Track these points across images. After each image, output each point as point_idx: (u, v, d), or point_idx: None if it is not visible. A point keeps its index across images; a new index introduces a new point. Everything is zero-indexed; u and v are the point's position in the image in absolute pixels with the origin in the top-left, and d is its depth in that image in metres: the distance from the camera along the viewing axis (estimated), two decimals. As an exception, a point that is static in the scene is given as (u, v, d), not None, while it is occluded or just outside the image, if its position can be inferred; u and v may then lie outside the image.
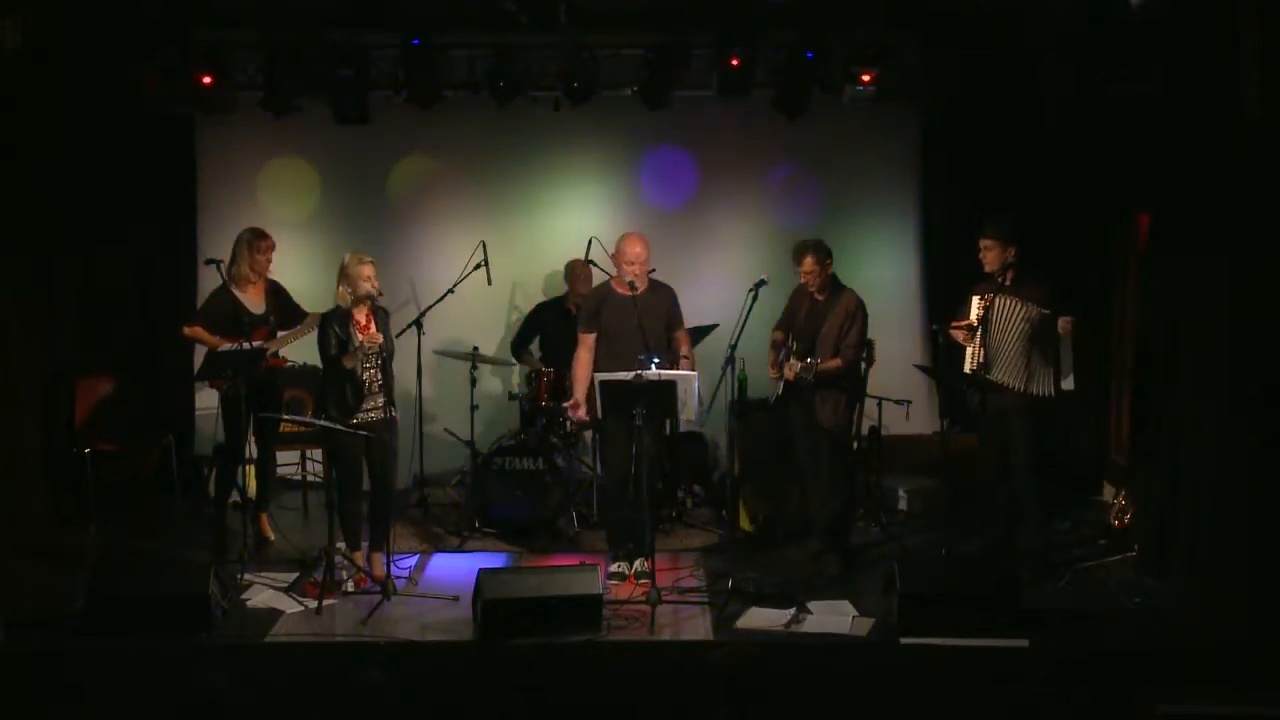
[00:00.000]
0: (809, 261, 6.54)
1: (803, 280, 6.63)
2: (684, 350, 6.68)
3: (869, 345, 6.93)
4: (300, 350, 7.51)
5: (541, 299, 8.46)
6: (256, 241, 6.96)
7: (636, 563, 6.56)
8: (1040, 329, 6.32)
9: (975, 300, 6.54)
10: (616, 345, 6.52)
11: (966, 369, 6.56)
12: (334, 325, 6.31)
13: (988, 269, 6.52)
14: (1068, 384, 6.34)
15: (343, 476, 6.42)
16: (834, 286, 6.65)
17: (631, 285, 6.43)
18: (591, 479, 7.73)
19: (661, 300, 6.63)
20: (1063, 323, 6.30)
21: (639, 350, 6.37)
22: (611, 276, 6.75)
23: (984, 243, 6.49)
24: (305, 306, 7.24)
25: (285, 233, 7.72)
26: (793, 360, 6.53)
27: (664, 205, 8.59)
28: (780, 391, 6.68)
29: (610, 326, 6.57)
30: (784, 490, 7.28)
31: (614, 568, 6.60)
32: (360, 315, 6.38)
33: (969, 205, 7.91)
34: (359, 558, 6.48)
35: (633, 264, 6.47)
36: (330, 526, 6.34)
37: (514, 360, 8.22)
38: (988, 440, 6.65)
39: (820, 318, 6.59)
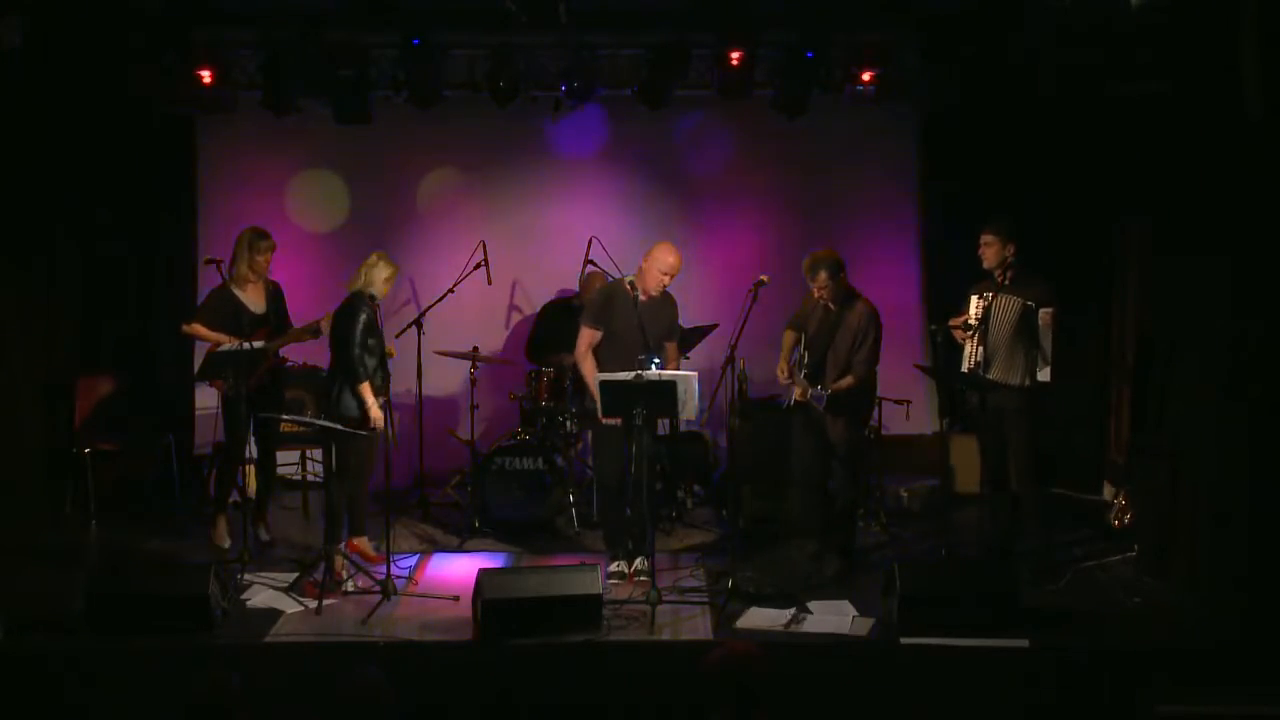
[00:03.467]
0: (823, 277, 6.47)
1: (816, 295, 6.58)
2: (670, 356, 6.67)
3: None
4: (300, 350, 7.52)
5: (541, 297, 8.47)
6: (257, 241, 6.95)
7: (637, 561, 6.56)
8: (1024, 321, 6.32)
9: (974, 300, 6.54)
10: (619, 345, 6.51)
11: (965, 369, 6.56)
12: (366, 308, 6.48)
13: (986, 265, 6.51)
14: (1044, 375, 6.33)
15: (355, 469, 6.57)
16: (847, 296, 6.61)
17: (631, 284, 6.42)
18: (592, 479, 7.73)
19: (666, 309, 6.62)
20: (1043, 314, 6.30)
21: (640, 351, 6.37)
22: (620, 277, 6.71)
23: (984, 238, 6.49)
24: (301, 304, 7.25)
25: (287, 233, 7.72)
26: (803, 380, 6.50)
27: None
28: (792, 401, 6.64)
29: (617, 326, 6.55)
30: (784, 490, 7.28)
31: (613, 567, 6.60)
32: None
33: (969, 205, 7.91)
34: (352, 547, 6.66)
35: (667, 274, 6.48)
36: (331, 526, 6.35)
37: (532, 363, 8.13)
38: (987, 440, 6.64)
39: (832, 329, 6.54)
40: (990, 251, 6.47)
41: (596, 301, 6.71)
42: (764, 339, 6.89)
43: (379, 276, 6.56)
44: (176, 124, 8.38)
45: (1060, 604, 6.09)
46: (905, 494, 7.87)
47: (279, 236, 7.13)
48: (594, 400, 6.44)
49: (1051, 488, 7.09)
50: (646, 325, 6.42)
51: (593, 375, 6.49)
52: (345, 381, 6.42)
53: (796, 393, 6.50)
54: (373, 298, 6.51)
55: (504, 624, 5.62)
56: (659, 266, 6.47)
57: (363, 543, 6.76)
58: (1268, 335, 5.81)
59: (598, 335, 6.60)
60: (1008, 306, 6.40)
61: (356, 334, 6.39)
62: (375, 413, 6.43)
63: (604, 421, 6.41)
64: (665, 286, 6.49)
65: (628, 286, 6.45)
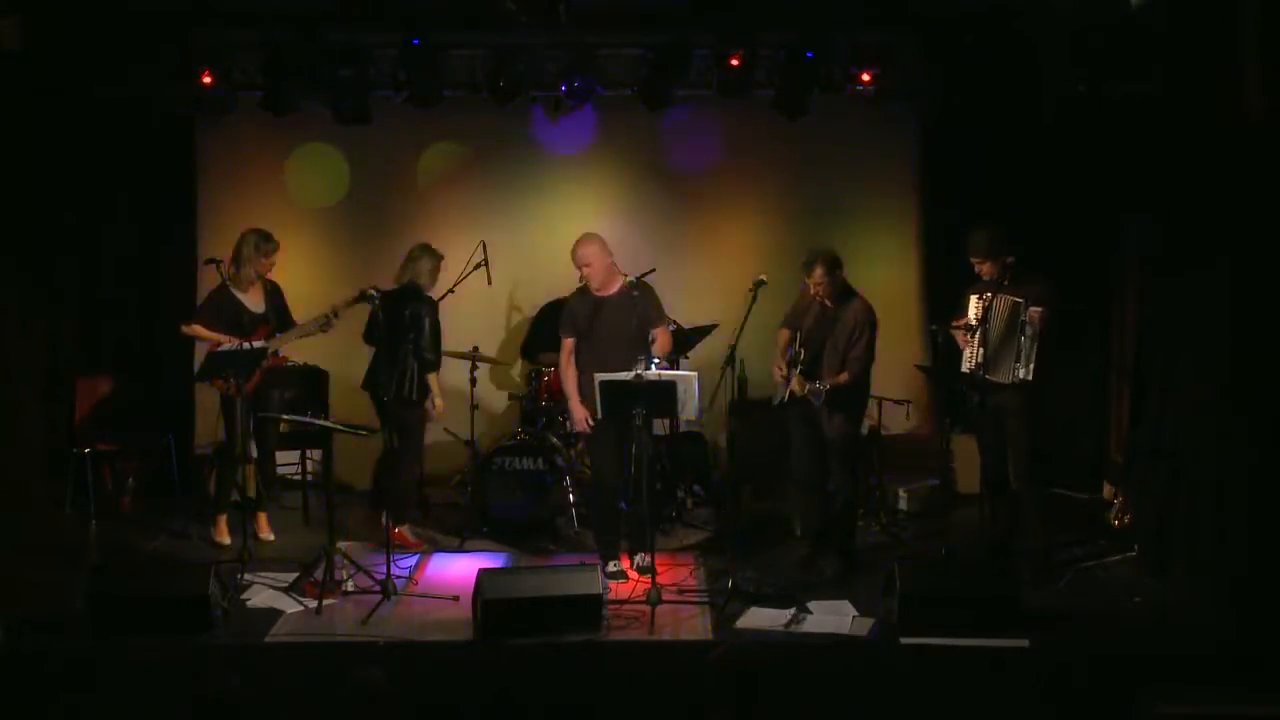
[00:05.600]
0: (819, 273, 6.45)
1: (812, 291, 6.55)
2: (661, 344, 6.63)
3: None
4: (300, 350, 7.51)
5: (541, 298, 8.47)
6: (263, 244, 6.96)
7: (638, 557, 6.55)
8: (1016, 319, 6.31)
9: (974, 300, 6.54)
10: (603, 347, 6.48)
11: (965, 369, 6.56)
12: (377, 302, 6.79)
13: (988, 279, 6.48)
14: (1025, 373, 6.29)
15: (418, 445, 7.22)
16: (844, 293, 6.60)
17: (634, 285, 6.41)
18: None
19: (635, 302, 6.47)
20: (1031, 312, 6.28)
21: (636, 350, 6.36)
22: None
23: (972, 259, 6.46)
24: (300, 303, 7.25)
25: (286, 231, 7.71)
26: (800, 376, 6.49)
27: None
28: (785, 397, 6.63)
29: (602, 330, 6.52)
30: (784, 490, 7.28)
31: (611, 567, 6.59)
32: None
33: (969, 205, 7.90)
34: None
35: (579, 266, 6.52)
36: (331, 526, 6.35)
37: (527, 361, 8.14)
38: (987, 440, 6.64)
39: (829, 325, 6.52)
40: (986, 268, 6.44)
41: (576, 309, 6.64)
42: (764, 339, 6.88)
43: (424, 268, 7.03)
44: (176, 124, 8.36)
45: (1060, 604, 6.09)
46: (905, 494, 7.87)
47: (278, 235, 7.13)
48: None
49: (1051, 488, 7.07)
50: (609, 322, 6.43)
51: (573, 387, 6.55)
52: (422, 369, 6.94)
53: (794, 385, 6.48)
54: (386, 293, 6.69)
55: (504, 624, 5.62)
56: (574, 262, 6.55)
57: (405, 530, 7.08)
58: (1267, 336, 5.81)
59: (571, 343, 6.60)
60: (1004, 306, 6.40)
61: (428, 328, 6.93)
62: (439, 401, 7.08)
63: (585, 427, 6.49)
64: (583, 279, 6.52)
65: (624, 286, 6.45)
